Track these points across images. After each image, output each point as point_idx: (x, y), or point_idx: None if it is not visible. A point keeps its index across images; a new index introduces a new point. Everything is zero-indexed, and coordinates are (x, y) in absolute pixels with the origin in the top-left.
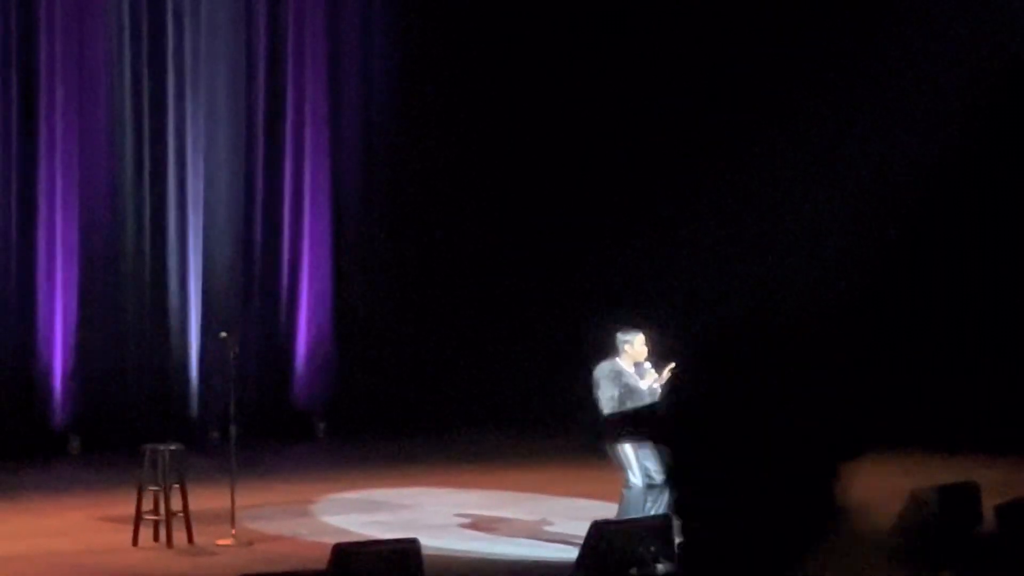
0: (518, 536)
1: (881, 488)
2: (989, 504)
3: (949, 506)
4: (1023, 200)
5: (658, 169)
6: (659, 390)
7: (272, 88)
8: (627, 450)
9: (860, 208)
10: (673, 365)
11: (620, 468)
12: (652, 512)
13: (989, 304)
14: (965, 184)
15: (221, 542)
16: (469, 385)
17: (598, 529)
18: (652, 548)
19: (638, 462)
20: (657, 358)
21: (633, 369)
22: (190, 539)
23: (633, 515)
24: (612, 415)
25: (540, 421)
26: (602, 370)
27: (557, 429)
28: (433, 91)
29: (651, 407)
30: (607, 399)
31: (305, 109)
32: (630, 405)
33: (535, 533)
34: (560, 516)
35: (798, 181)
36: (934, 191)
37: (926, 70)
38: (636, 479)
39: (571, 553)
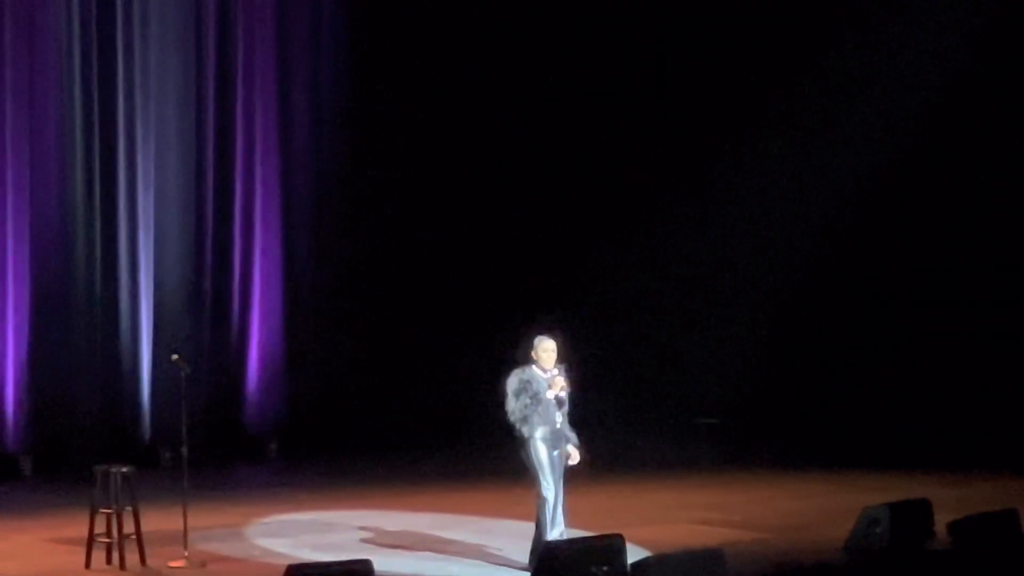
0: (467, 557)
1: (834, 505)
2: (942, 521)
3: (900, 522)
4: (971, 210)
5: (607, 181)
6: (564, 397)
7: (222, 108)
8: (542, 457)
9: (805, 216)
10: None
11: (534, 477)
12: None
13: (940, 323)
14: (913, 195)
15: (174, 564)
16: (419, 407)
17: (550, 549)
18: (604, 568)
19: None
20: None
21: (546, 375)
22: (143, 561)
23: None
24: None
25: (487, 442)
26: (510, 382)
27: (503, 450)
28: (383, 106)
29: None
30: (510, 411)
31: (255, 129)
32: (537, 414)
33: (484, 554)
34: (507, 537)
35: (742, 190)
36: (880, 203)
37: (876, 80)
38: (548, 490)
39: (521, 574)
